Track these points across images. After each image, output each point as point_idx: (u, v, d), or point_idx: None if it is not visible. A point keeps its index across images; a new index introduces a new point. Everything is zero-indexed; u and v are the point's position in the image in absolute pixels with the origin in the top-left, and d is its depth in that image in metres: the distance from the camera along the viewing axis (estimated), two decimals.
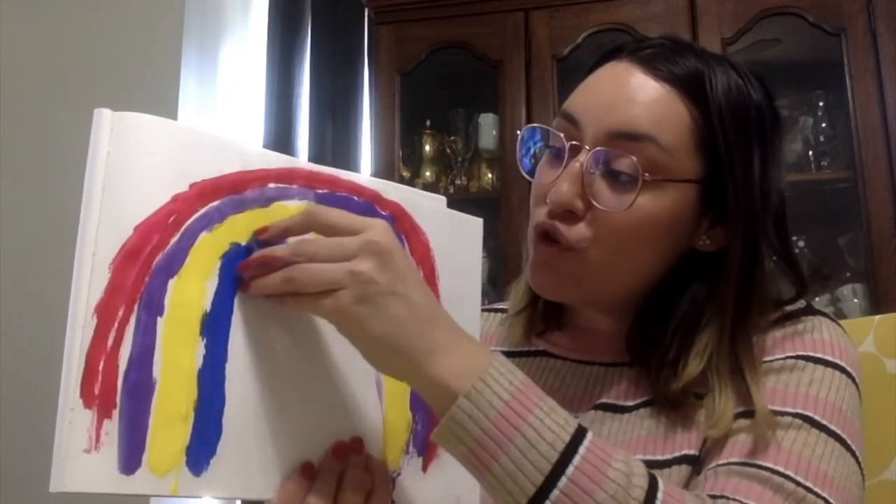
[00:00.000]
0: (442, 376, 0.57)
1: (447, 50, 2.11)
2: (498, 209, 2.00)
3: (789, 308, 0.77)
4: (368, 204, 0.67)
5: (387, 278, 0.56)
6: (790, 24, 1.94)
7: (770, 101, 0.78)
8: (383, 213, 0.68)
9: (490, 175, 2.18)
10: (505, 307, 0.91)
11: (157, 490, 0.53)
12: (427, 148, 2.21)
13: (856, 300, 1.85)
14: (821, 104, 2.00)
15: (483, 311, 0.93)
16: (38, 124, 1.97)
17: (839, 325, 0.78)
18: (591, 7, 2.03)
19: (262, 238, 0.59)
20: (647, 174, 0.70)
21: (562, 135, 0.75)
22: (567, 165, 0.73)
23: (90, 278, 0.53)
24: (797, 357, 0.72)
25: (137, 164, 0.55)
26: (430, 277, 0.69)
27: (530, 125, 0.80)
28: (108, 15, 2.07)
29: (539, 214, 0.76)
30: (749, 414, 0.68)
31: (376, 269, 0.56)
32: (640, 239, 0.73)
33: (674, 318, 0.76)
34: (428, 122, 2.22)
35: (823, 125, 1.98)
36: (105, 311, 0.53)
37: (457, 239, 0.70)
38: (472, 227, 0.74)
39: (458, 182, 2.17)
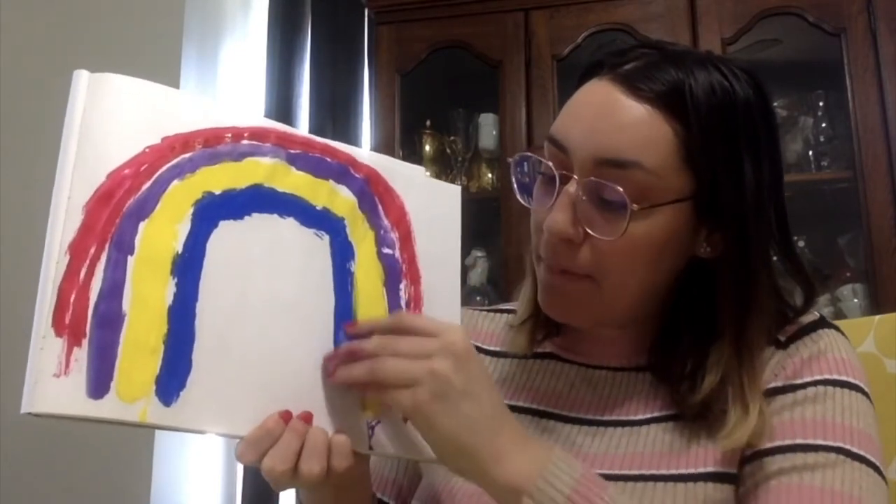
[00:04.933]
0: (509, 480, 0.62)
1: (447, 50, 2.11)
2: (498, 209, 2.00)
3: (805, 321, 0.78)
4: (343, 166, 0.68)
5: (461, 379, 0.61)
6: (790, 24, 1.94)
7: (761, 97, 0.76)
8: (358, 175, 0.69)
9: (490, 175, 2.18)
10: (512, 307, 0.90)
11: (125, 415, 0.55)
12: (427, 148, 2.21)
13: (856, 300, 1.85)
14: (821, 104, 1.99)
15: (488, 311, 0.93)
16: (38, 124, 1.97)
17: (846, 337, 0.78)
18: (591, 7, 2.03)
19: (350, 332, 0.65)
20: (635, 205, 0.69)
21: (551, 163, 0.74)
22: (559, 194, 0.73)
23: (64, 219, 0.56)
24: (826, 382, 0.73)
25: (112, 118, 0.59)
26: (407, 240, 0.70)
27: (521, 154, 0.79)
28: (107, 15, 2.07)
29: (540, 242, 0.75)
30: (793, 448, 0.69)
31: (452, 370, 0.61)
32: (640, 261, 0.73)
33: (687, 328, 0.76)
34: (428, 122, 2.22)
35: (823, 125, 1.98)
36: (78, 249, 0.56)
37: (434, 204, 0.72)
38: (450, 193, 0.75)
39: (458, 182, 2.17)
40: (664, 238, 0.72)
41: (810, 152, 1.99)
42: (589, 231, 0.71)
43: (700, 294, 0.76)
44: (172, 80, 1.96)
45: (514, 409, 0.81)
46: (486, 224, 2.03)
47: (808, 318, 0.79)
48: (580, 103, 0.75)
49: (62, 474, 1.83)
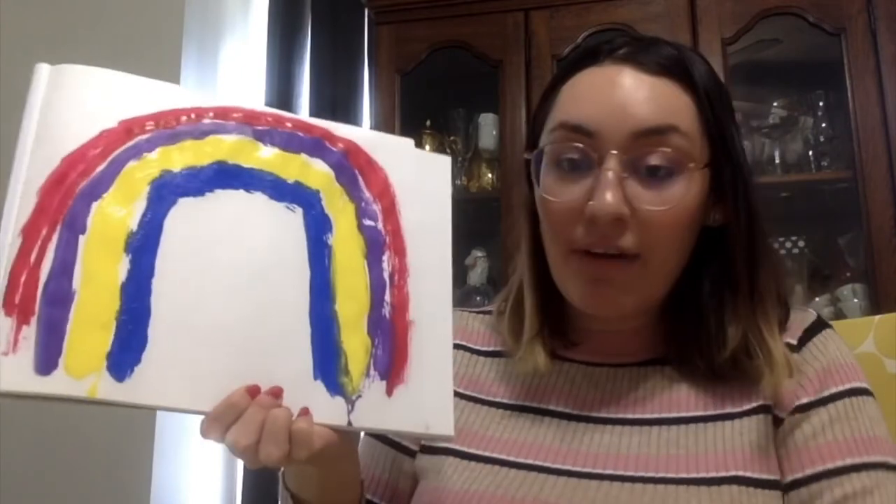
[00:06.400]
0: None
1: (447, 50, 2.11)
2: (498, 209, 1.99)
3: (806, 321, 0.79)
4: (317, 140, 0.67)
5: None
6: (790, 24, 1.94)
7: None
8: (334, 148, 0.68)
9: (490, 175, 2.18)
10: (489, 310, 0.90)
11: (73, 391, 0.56)
12: (427, 148, 2.21)
13: (856, 300, 1.85)
14: (821, 104, 1.99)
15: (477, 312, 0.91)
16: None
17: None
18: (591, 7, 2.03)
19: None
20: (692, 164, 0.72)
21: (580, 145, 0.73)
22: (599, 176, 0.71)
23: (19, 204, 0.57)
24: (849, 393, 0.74)
25: (70, 106, 0.60)
26: (391, 212, 0.69)
27: (542, 147, 0.77)
28: (107, 15, 2.07)
29: (575, 233, 0.73)
30: (846, 470, 0.70)
31: None
32: (681, 231, 0.74)
33: (702, 297, 0.77)
34: (428, 122, 2.22)
35: (823, 125, 1.98)
36: (30, 232, 0.57)
37: (422, 175, 0.71)
38: (440, 163, 0.73)
39: (458, 182, 2.17)
40: (696, 205, 0.74)
41: (810, 152, 1.99)
42: (639, 206, 0.71)
43: (703, 265, 0.78)
44: (172, 79, 1.94)
45: (515, 408, 0.80)
46: (486, 224, 2.03)
47: (808, 319, 0.80)
48: (595, 86, 0.75)
49: (62, 474, 1.83)
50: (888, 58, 1.84)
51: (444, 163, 0.73)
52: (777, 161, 1.99)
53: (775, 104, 2.02)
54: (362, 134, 0.70)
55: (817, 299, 1.88)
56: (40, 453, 1.84)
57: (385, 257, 0.67)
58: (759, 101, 2.04)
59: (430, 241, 0.70)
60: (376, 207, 0.68)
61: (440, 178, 0.72)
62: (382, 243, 0.68)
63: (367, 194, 0.68)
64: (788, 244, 2.00)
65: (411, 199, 0.70)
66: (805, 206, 1.97)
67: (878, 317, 1.00)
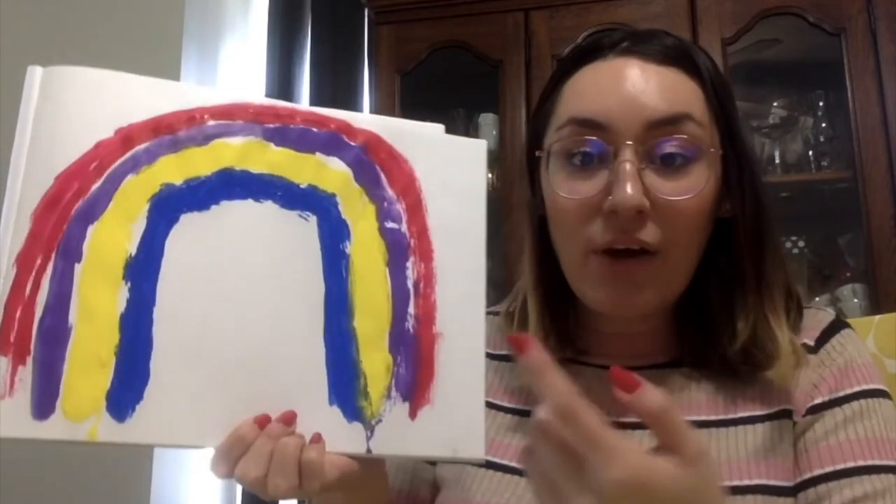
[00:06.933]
0: None
1: (447, 50, 2.11)
2: (498, 209, 1.99)
3: (824, 321, 0.78)
4: (333, 134, 0.62)
5: None
6: (790, 24, 1.93)
7: None
8: (353, 143, 0.62)
9: (490, 175, 2.18)
10: (496, 309, 0.88)
11: (72, 435, 0.53)
12: None
13: (856, 300, 1.85)
14: (821, 104, 1.99)
15: (486, 313, 0.90)
16: None
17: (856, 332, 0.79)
18: (591, 7, 2.03)
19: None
20: (713, 149, 0.71)
21: (595, 138, 0.71)
22: (615, 169, 0.69)
23: (13, 229, 0.54)
24: (865, 394, 0.73)
25: (64, 114, 0.56)
26: (416, 210, 0.63)
27: (552, 143, 0.75)
28: (107, 15, 2.07)
29: (593, 230, 0.71)
30: (858, 471, 0.68)
31: None
32: (702, 220, 0.72)
33: (712, 292, 0.75)
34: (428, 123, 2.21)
35: (823, 125, 1.98)
36: (24, 261, 0.54)
37: (454, 164, 0.64)
38: (474, 149, 0.66)
39: None
40: (713, 194, 0.72)
41: (810, 152, 1.99)
42: (659, 197, 0.69)
43: (711, 259, 0.76)
44: (172, 80, 1.96)
45: (530, 413, 0.78)
46: (487, 224, 2.02)
47: (826, 319, 0.78)
48: (602, 80, 0.73)
49: (62, 474, 1.83)
50: (888, 58, 1.84)
51: (478, 149, 0.66)
52: (777, 161, 1.99)
53: (775, 104, 2.02)
54: (385, 122, 0.64)
55: (817, 299, 1.88)
56: (40, 453, 1.84)
57: (409, 263, 0.62)
58: (759, 101, 2.04)
59: (460, 241, 0.63)
60: (400, 207, 0.62)
61: (474, 167, 0.65)
62: (406, 247, 0.62)
63: (389, 192, 0.62)
64: (788, 244, 2.00)
65: (439, 193, 0.63)
66: (805, 206, 1.97)
67: (878, 317, 1.00)
